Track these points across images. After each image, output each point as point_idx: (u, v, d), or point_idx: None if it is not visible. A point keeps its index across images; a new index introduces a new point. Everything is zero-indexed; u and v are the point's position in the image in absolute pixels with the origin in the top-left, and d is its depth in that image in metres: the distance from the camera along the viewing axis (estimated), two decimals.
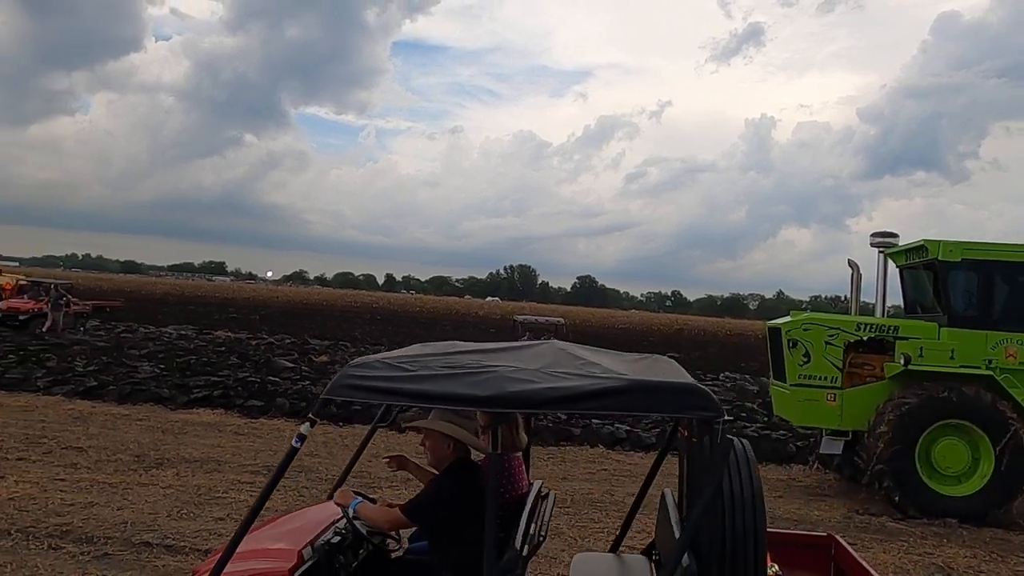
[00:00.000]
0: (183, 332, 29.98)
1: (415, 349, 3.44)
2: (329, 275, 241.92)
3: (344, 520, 3.59)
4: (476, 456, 3.68)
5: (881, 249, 10.56)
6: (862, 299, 10.88)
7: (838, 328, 9.68)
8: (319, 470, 8.99)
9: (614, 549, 4.28)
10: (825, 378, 9.53)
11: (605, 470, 10.41)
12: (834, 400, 9.47)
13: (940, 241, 9.43)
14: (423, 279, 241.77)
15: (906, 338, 9.46)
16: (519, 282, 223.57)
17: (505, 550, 2.98)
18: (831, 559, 4.38)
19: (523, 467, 3.83)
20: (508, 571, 2.90)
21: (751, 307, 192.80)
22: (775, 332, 10.09)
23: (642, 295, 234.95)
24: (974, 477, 8.83)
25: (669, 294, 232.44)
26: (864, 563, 3.96)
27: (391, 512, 3.50)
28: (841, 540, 4.40)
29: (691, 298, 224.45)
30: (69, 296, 26.44)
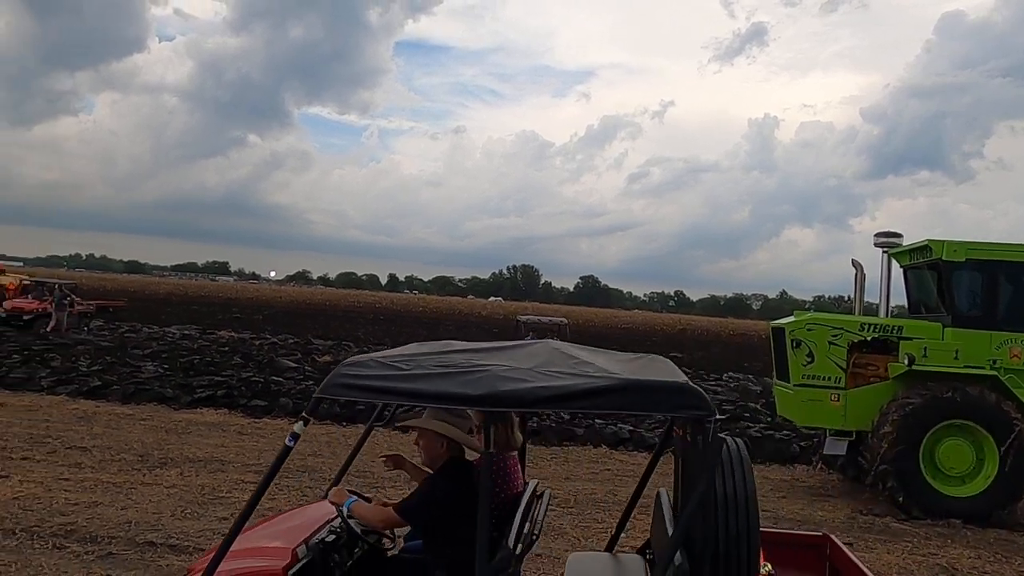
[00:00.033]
0: (187, 332, 30.03)
1: (410, 348, 3.45)
2: (332, 275, 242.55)
3: (339, 519, 3.60)
4: (471, 455, 3.68)
5: (885, 249, 10.54)
6: (866, 299, 10.87)
7: (842, 328, 9.66)
8: (322, 470, 8.99)
9: (610, 548, 4.29)
10: (829, 378, 9.51)
11: (608, 470, 10.40)
12: (838, 400, 9.46)
13: (944, 241, 9.41)
14: (426, 279, 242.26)
15: (910, 338, 9.44)
16: (522, 282, 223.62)
17: (498, 549, 2.98)
18: (826, 559, 4.38)
19: (518, 466, 3.83)
20: (500, 570, 2.91)
21: (754, 307, 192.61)
22: (779, 332, 10.07)
23: (645, 295, 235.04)
24: (978, 478, 8.81)
25: (672, 294, 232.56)
26: (859, 563, 3.95)
27: (385, 511, 3.51)
28: (836, 540, 4.39)
29: (694, 298, 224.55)
30: (73, 296, 26.51)
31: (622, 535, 4.30)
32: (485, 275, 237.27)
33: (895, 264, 10.66)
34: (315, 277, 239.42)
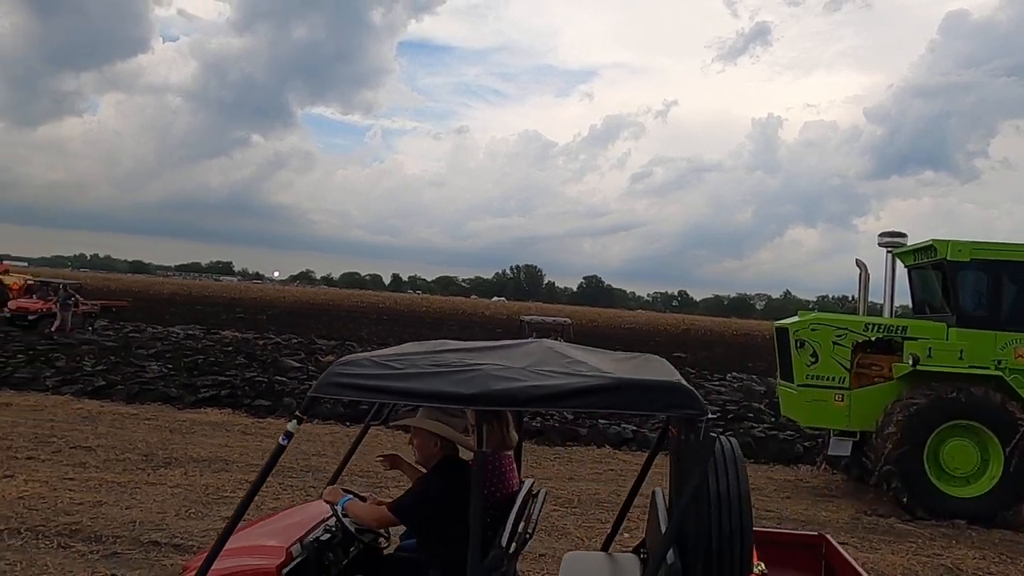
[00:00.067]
0: (190, 332, 30.08)
1: (405, 347, 3.46)
2: (335, 275, 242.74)
3: (334, 518, 3.60)
4: (465, 454, 3.69)
5: (889, 249, 10.52)
6: (870, 299, 10.85)
7: (846, 328, 9.65)
8: (326, 469, 8.99)
9: (605, 548, 4.30)
10: (833, 378, 9.50)
11: (612, 470, 10.40)
12: (842, 400, 9.44)
13: (949, 241, 9.39)
14: (429, 279, 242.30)
15: (915, 338, 9.42)
16: (525, 282, 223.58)
17: (491, 548, 2.99)
18: (821, 558, 4.38)
19: (514, 465, 3.83)
20: (493, 569, 2.91)
21: (758, 307, 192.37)
22: (782, 332, 10.06)
23: (648, 295, 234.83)
24: (983, 478, 8.79)
25: (675, 294, 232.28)
26: (854, 563, 3.95)
27: (379, 510, 3.51)
28: (831, 539, 4.39)
29: (697, 298, 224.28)
30: (78, 296, 26.57)
31: (623, 535, 4.31)
32: (488, 275, 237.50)
33: (899, 264, 10.64)
34: (319, 277, 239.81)
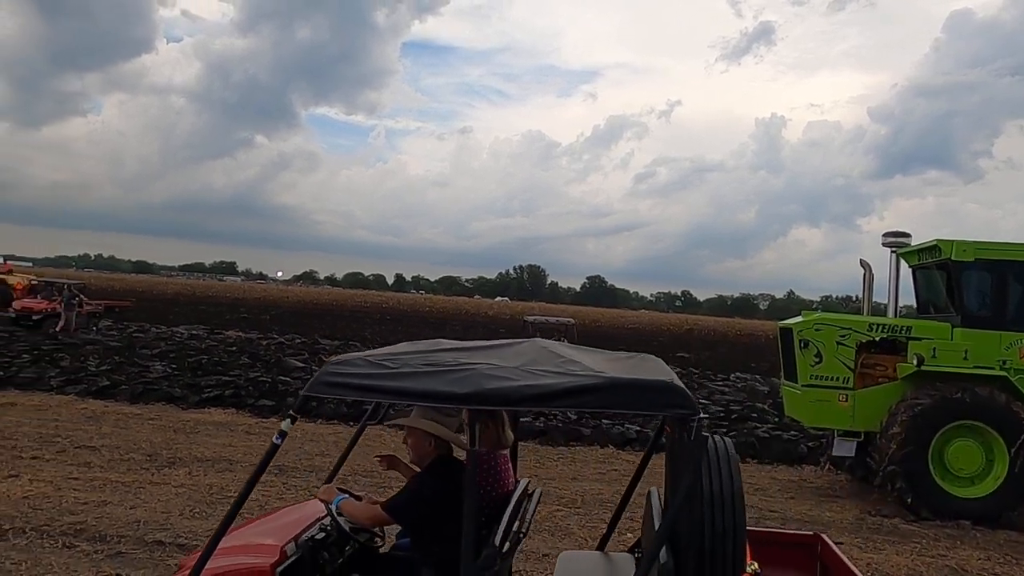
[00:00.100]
0: (194, 332, 30.14)
1: (399, 347, 3.46)
2: (339, 275, 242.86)
3: (329, 517, 3.61)
4: (460, 453, 3.69)
5: (893, 249, 10.50)
6: (874, 299, 10.82)
7: (850, 328, 9.63)
8: (321, 468, 9.01)
9: (601, 547, 4.31)
10: (837, 379, 9.48)
11: (615, 470, 10.39)
12: (846, 401, 9.42)
13: (953, 241, 9.37)
14: (433, 279, 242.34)
15: (919, 338, 9.40)
16: (528, 282, 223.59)
17: (484, 547, 2.99)
18: (817, 558, 4.38)
19: (509, 465, 3.83)
20: (486, 568, 2.91)
21: (761, 307, 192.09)
22: (786, 332, 10.04)
23: (652, 295, 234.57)
24: (988, 479, 8.77)
25: (679, 294, 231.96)
26: (849, 563, 3.95)
27: (373, 509, 3.51)
28: (827, 539, 4.39)
29: (701, 298, 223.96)
30: (82, 296, 26.65)
31: (627, 535, 4.31)
32: (491, 275, 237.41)
33: (904, 264, 10.62)
34: (322, 277, 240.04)
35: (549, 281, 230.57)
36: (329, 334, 33.87)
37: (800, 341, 9.61)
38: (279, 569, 3.20)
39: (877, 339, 9.66)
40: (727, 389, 21.19)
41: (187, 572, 2.99)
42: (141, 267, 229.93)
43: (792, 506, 9.03)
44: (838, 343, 9.54)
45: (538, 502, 3.95)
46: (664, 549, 2.95)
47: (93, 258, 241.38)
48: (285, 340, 28.60)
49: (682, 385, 2.84)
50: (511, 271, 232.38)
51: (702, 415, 2.78)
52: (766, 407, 16.68)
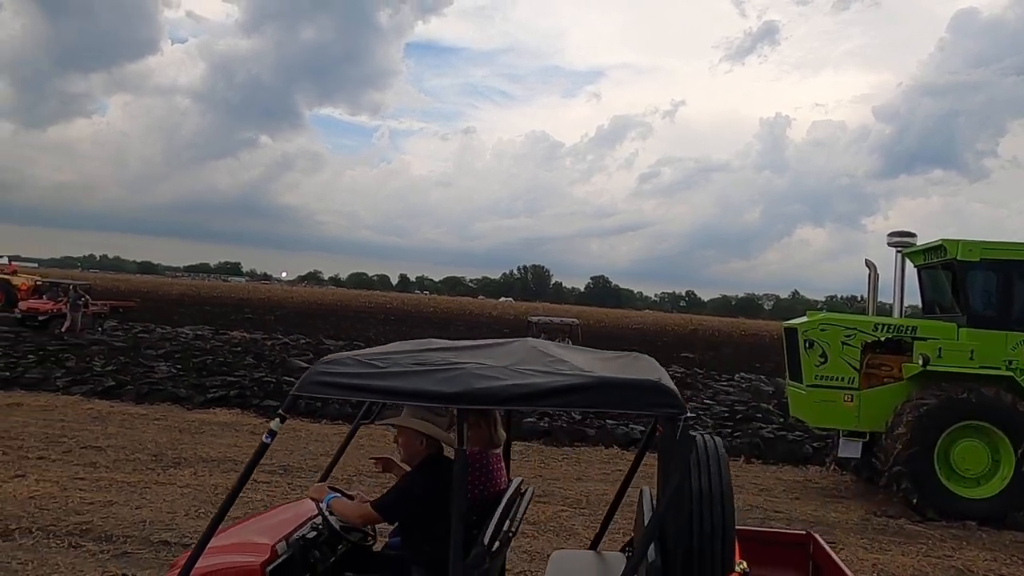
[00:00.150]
0: (199, 332, 30.20)
1: (390, 346, 3.47)
2: (343, 275, 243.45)
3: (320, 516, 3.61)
4: (451, 452, 3.69)
5: (899, 249, 10.46)
6: (879, 299, 10.80)
7: (855, 328, 9.60)
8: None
9: (594, 546, 4.31)
10: (842, 379, 9.45)
11: (619, 470, 10.37)
12: (851, 401, 9.40)
13: (959, 240, 9.34)
14: (436, 279, 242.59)
15: (924, 338, 9.38)
16: (532, 282, 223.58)
17: (473, 546, 2.99)
18: (809, 557, 4.38)
19: (502, 464, 3.83)
20: (475, 567, 2.91)
21: (766, 307, 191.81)
22: (791, 332, 10.02)
23: (656, 295, 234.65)
24: (994, 479, 8.73)
25: (683, 294, 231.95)
26: (840, 563, 3.95)
27: (363, 507, 3.50)
28: (819, 538, 4.38)
29: (705, 298, 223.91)
30: (87, 297, 26.72)
31: (630, 535, 4.31)
32: (496, 275, 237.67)
33: (909, 264, 10.59)
34: (326, 277, 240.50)
35: (553, 281, 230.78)
36: (333, 334, 33.90)
37: (805, 341, 9.58)
38: (269, 568, 3.20)
39: (882, 339, 9.63)
40: (731, 389, 21.15)
41: (178, 571, 3.00)
42: (146, 268, 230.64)
43: (797, 507, 9.00)
44: (843, 343, 9.51)
45: (530, 501, 3.95)
46: (653, 548, 2.95)
47: (98, 259, 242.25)
48: (290, 340, 28.64)
49: (670, 385, 2.83)
50: (515, 271, 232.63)
51: (689, 414, 2.78)
52: (771, 407, 16.65)
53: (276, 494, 7.81)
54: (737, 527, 3.43)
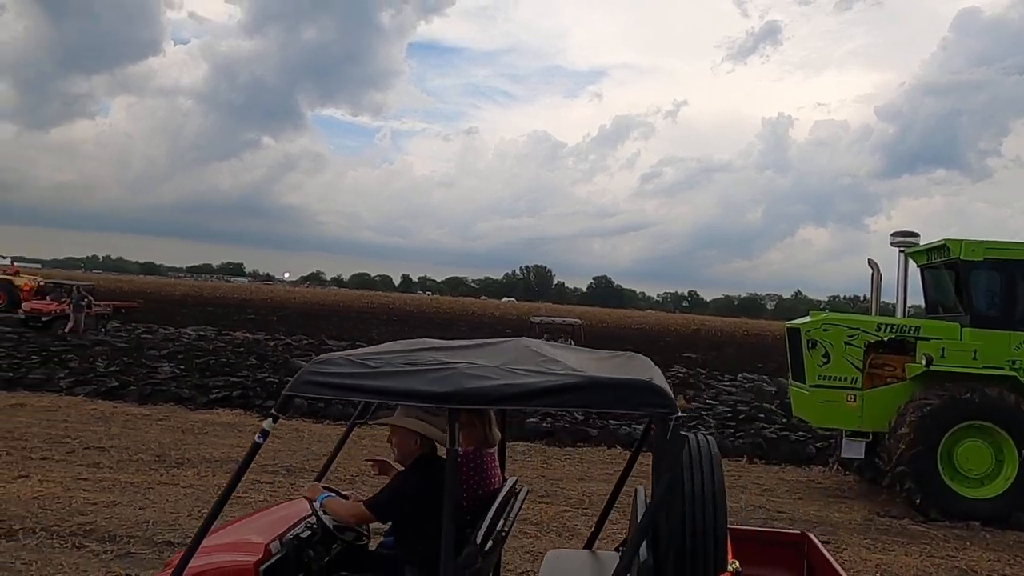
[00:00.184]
0: (202, 333, 30.24)
1: (383, 346, 3.47)
2: (346, 276, 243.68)
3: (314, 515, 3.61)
4: (444, 452, 3.69)
5: (902, 248, 10.45)
6: (882, 299, 10.79)
7: (858, 328, 9.59)
8: (337, 470, 9.02)
9: (589, 546, 4.31)
10: (845, 379, 9.44)
11: (622, 470, 10.37)
12: (854, 401, 9.39)
13: (962, 240, 9.32)
14: (439, 280, 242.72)
15: (928, 338, 9.36)
16: (535, 283, 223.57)
17: (466, 545, 2.99)
18: (804, 557, 4.37)
19: (496, 463, 3.83)
20: (466, 566, 2.91)
21: (768, 307, 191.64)
22: (794, 332, 10.01)
23: (658, 295, 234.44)
24: (998, 479, 8.72)
25: (685, 294, 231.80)
26: (834, 563, 3.94)
27: (356, 506, 3.50)
28: (814, 538, 4.38)
29: (708, 298, 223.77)
30: (91, 298, 26.77)
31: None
32: (498, 276, 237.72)
33: (912, 264, 10.57)
34: (329, 278, 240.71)
35: (556, 281, 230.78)
36: (336, 335, 33.94)
37: (808, 341, 9.57)
38: (263, 567, 3.19)
39: (885, 339, 9.61)
40: (734, 389, 21.13)
41: (171, 570, 3.00)
42: (149, 268, 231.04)
43: (800, 507, 8.99)
44: (846, 343, 9.50)
45: (524, 501, 3.95)
46: (645, 547, 2.96)
47: (101, 259, 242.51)
48: (292, 341, 28.68)
49: (661, 384, 2.84)
50: (517, 272, 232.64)
51: (680, 414, 2.78)
52: (774, 407, 16.64)
53: (279, 495, 7.82)
54: (732, 527, 3.43)
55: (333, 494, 3.61)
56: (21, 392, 13.63)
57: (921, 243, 10.32)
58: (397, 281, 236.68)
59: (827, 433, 11.10)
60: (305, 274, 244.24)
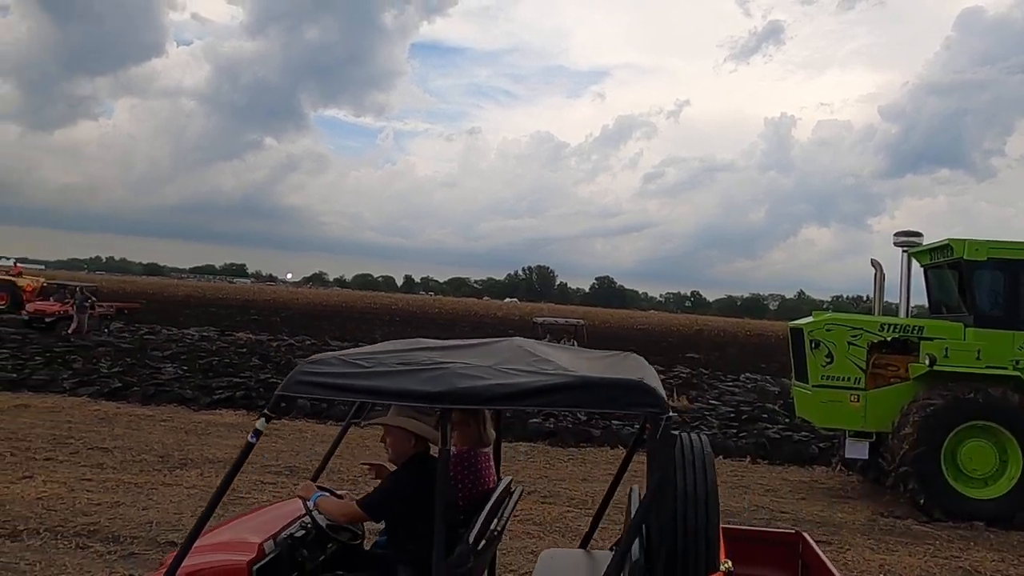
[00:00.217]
0: (205, 334, 30.29)
1: (377, 346, 3.48)
2: (348, 277, 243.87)
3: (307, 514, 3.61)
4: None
5: (905, 248, 10.43)
6: (885, 299, 10.77)
7: (861, 328, 9.58)
8: (338, 470, 9.02)
9: (584, 545, 4.32)
10: (848, 379, 9.43)
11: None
12: (857, 401, 9.37)
13: (965, 240, 9.30)
14: (441, 280, 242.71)
15: (931, 338, 9.34)
16: (537, 283, 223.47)
17: (458, 544, 2.99)
18: (798, 557, 4.37)
19: (491, 463, 3.83)
20: (458, 566, 2.91)
21: (771, 307, 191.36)
22: (797, 332, 10.00)
23: (661, 296, 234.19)
24: (1001, 479, 8.70)
25: (688, 294, 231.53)
26: (828, 562, 3.94)
27: (348, 505, 3.50)
28: (808, 538, 4.38)
29: (710, 298, 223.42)
30: (94, 299, 26.83)
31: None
32: (500, 276, 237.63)
33: (915, 264, 10.55)
34: (331, 279, 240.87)
35: (558, 282, 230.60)
36: (339, 335, 33.95)
37: (811, 341, 9.56)
38: (256, 566, 3.19)
39: (889, 339, 9.60)
40: (737, 390, 21.12)
41: (165, 570, 3.00)
42: (152, 269, 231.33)
43: (803, 507, 8.98)
44: (849, 343, 9.49)
45: (518, 501, 3.95)
46: (637, 546, 2.96)
47: (104, 260, 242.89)
48: (295, 342, 28.72)
49: (652, 384, 2.84)
50: (520, 272, 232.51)
51: (671, 414, 2.78)
52: (777, 408, 16.59)
53: (282, 495, 7.82)
54: (726, 526, 3.43)
55: (327, 493, 3.60)
56: (25, 393, 13.65)
57: (924, 243, 10.30)
58: (400, 282, 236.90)
59: (830, 433, 11.08)
60: (308, 275, 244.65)
